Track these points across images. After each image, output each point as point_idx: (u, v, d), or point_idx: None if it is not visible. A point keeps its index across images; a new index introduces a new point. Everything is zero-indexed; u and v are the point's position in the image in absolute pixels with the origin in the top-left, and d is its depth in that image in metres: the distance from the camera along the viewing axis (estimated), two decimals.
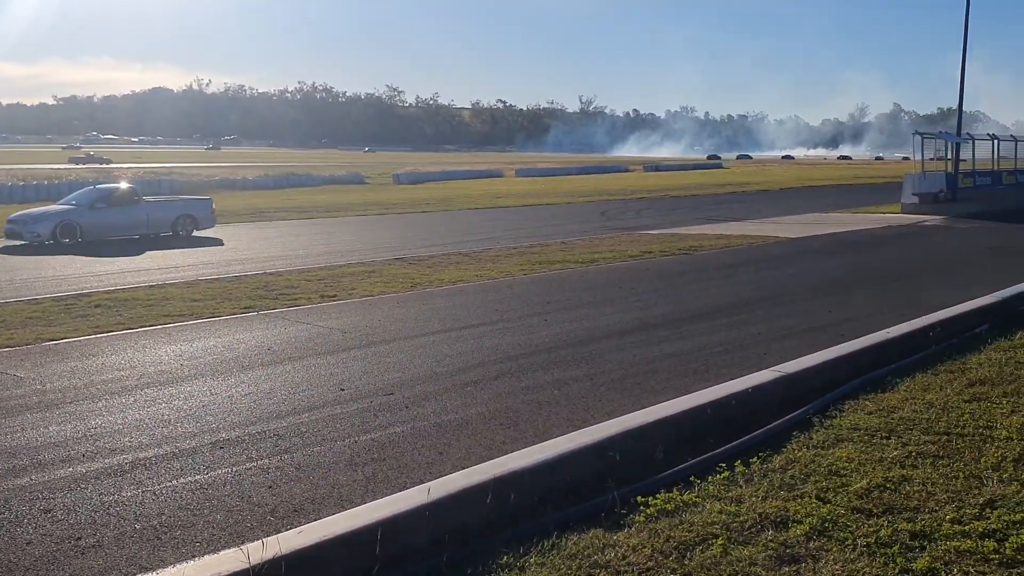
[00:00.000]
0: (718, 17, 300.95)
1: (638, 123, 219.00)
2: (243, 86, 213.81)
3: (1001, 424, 6.29)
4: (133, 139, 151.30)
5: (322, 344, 9.62)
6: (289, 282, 13.92)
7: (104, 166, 61.64)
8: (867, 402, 6.85)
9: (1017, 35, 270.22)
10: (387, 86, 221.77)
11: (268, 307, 11.82)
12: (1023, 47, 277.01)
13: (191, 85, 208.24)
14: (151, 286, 13.71)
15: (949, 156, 32.28)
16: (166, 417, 6.93)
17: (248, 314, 11.40)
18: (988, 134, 42.00)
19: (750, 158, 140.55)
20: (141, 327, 10.52)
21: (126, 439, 6.37)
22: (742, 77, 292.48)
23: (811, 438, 6.02)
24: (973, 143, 34.91)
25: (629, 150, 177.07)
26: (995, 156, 37.50)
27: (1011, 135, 43.22)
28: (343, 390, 7.69)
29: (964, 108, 34.56)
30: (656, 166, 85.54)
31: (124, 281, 14.43)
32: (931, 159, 32.31)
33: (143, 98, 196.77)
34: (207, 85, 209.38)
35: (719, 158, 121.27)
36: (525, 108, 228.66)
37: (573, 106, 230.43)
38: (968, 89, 35.03)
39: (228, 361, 8.89)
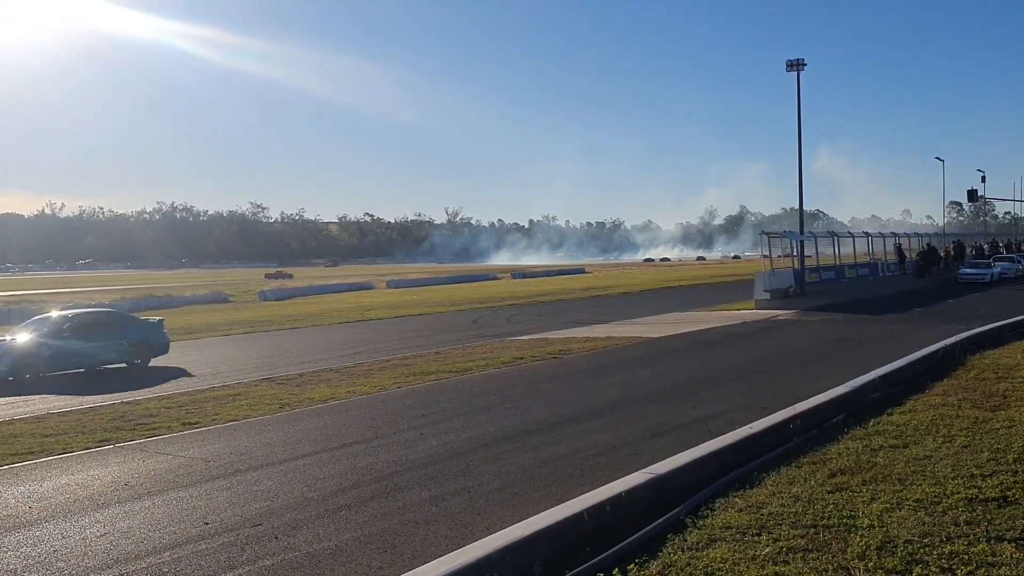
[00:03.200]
0: (579, 129, 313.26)
1: (503, 232, 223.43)
2: (99, 208, 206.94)
3: (863, 512, 6.55)
4: None
5: (184, 476, 9.15)
6: (147, 410, 13.27)
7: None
8: (737, 499, 7.02)
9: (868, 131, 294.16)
10: (250, 203, 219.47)
11: (125, 439, 11.20)
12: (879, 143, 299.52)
13: (43, 209, 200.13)
14: None
15: (795, 253, 34.45)
16: (12, 567, 6.38)
17: (103, 447, 10.77)
18: (828, 232, 45.26)
19: (653, 261, 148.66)
20: None
21: None
22: (595, 186, 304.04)
23: (685, 540, 6.10)
24: (816, 241, 37.46)
25: (501, 258, 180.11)
26: (836, 251, 40.34)
27: (848, 232, 46.61)
28: (207, 524, 7.30)
29: (804, 207, 37.09)
30: (523, 273, 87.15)
31: None
32: (779, 256, 34.41)
33: None
34: (60, 209, 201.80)
35: (666, 259, 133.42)
36: (393, 220, 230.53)
37: (440, 217, 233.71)
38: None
39: (82, 500, 8.32)
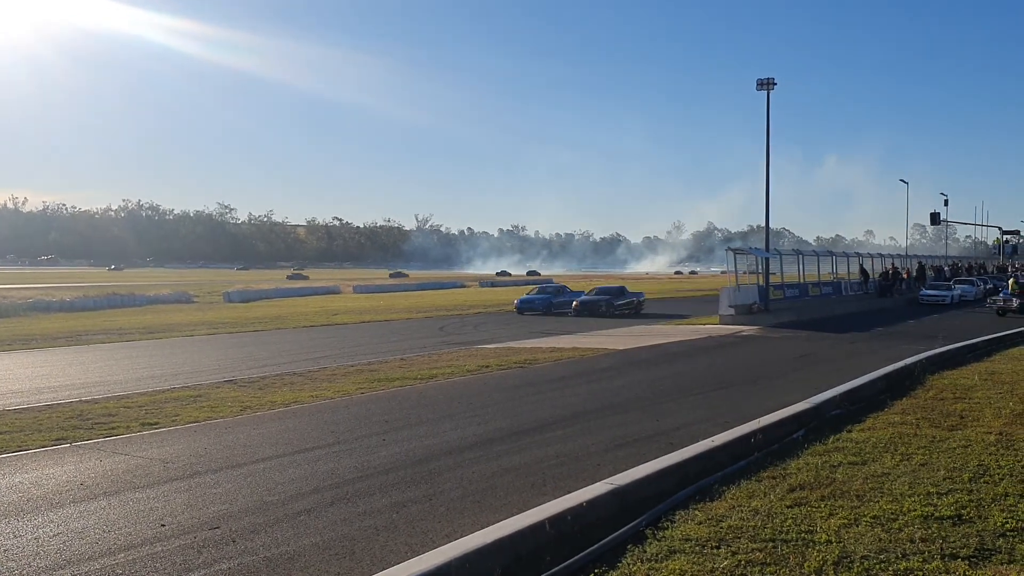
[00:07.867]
0: (566, 135, 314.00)
1: (475, 240, 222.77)
2: (63, 204, 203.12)
3: (821, 528, 6.61)
4: None
5: (141, 476, 9.01)
6: (107, 410, 13.06)
7: None
8: (697, 511, 7.06)
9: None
10: (218, 203, 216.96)
11: (82, 438, 11.01)
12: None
13: (5, 203, 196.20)
14: None
15: (760, 270, 34.77)
16: None
17: (60, 446, 10.58)
18: (793, 250, 45.78)
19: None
20: None
21: None
22: (581, 194, 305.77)
23: (645, 551, 6.12)
24: (781, 258, 37.81)
25: (487, 267, 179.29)
26: (801, 269, 40.78)
27: (813, 250, 47.14)
28: (164, 526, 7.20)
29: (770, 225, 37.45)
30: (491, 282, 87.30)
31: None
32: (745, 273, 34.71)
33: None
34: (23, 203, 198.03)
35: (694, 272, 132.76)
36: (362, 225, 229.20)
37: (410, 223, 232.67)
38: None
39: (35, 499, 8.16)
